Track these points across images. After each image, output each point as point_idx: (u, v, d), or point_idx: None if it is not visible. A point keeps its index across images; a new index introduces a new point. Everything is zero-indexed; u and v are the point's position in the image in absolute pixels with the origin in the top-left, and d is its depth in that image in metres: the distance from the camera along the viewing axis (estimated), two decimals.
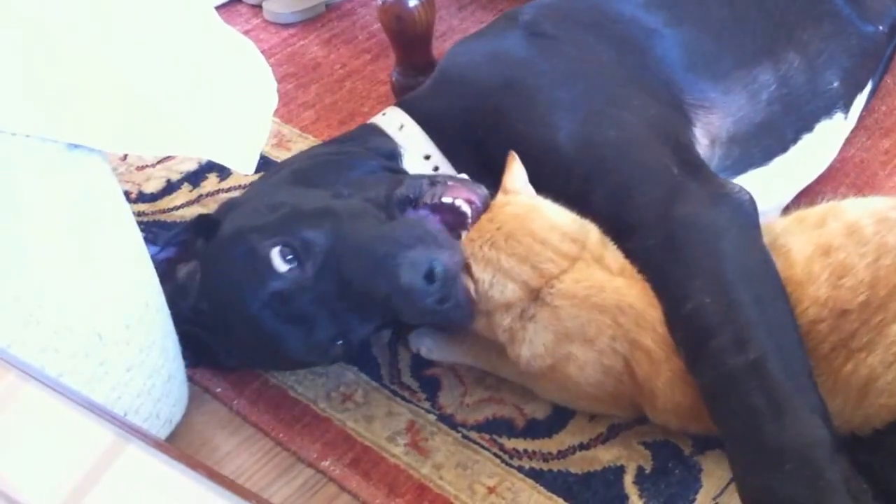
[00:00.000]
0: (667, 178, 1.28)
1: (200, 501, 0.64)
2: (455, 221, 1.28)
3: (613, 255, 1.24)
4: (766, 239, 1.23)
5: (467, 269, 1.23)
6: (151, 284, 1.23)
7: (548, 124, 1.35)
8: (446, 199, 1.29)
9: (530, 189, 1.30)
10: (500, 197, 1.29)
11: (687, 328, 1.15)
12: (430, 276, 1.18)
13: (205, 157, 1.39)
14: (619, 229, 1.24)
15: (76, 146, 1.07)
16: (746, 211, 1.25)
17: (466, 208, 1.28)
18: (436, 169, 1.43)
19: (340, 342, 1.28)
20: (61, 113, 1.03)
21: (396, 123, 1.47)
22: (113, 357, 1.13)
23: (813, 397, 1.09)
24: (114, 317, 1.14)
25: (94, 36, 1.05)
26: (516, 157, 1.30)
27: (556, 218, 1.25)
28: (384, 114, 1.51)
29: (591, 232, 1.25)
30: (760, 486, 1.06)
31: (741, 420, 1.09)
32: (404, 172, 1.42)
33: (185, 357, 1.34)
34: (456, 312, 1.22)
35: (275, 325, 1.25)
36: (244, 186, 1.73)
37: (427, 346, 1.40)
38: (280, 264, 1.23)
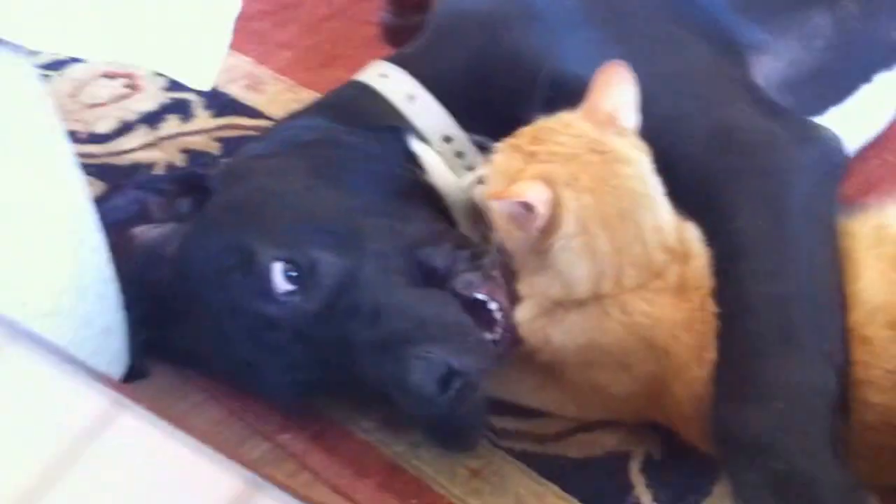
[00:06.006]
0: (734, 111, 1.24)
1: None
2: (478, 318, 1.17)
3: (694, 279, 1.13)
4: None
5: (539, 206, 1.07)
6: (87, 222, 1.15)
7: (580, 60, 1.26)
8: (480, 296, 1.17)
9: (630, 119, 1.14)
10: (607, 130, 1.12)
11: (726, 243, 1.12)
12: (444, 383, 1.07)
13: (153, 69, 1.33)
14: (671, 163, 1.15)
15: None
16: (834, 160, 1.24)
17: (498, 313, 1.17)
18: (458, 154, 1.34)
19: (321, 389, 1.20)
20: None
21: (404, 93, 1.36)
22: (32, 297, 1.04)
23: (835, 348, 1.05)
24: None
25: None
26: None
27: (663, 211, 1.12)
28: (385, 76, 1.38)
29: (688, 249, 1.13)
30: (736, 418, 1.03)
31: (743, 348, 1.06)
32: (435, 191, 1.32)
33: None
34: (463, 420, 1.13)
35: (249, 348, 1.16)
36: (208, 130, 1.67)
37: None
38: (280, 283, 1.13)
